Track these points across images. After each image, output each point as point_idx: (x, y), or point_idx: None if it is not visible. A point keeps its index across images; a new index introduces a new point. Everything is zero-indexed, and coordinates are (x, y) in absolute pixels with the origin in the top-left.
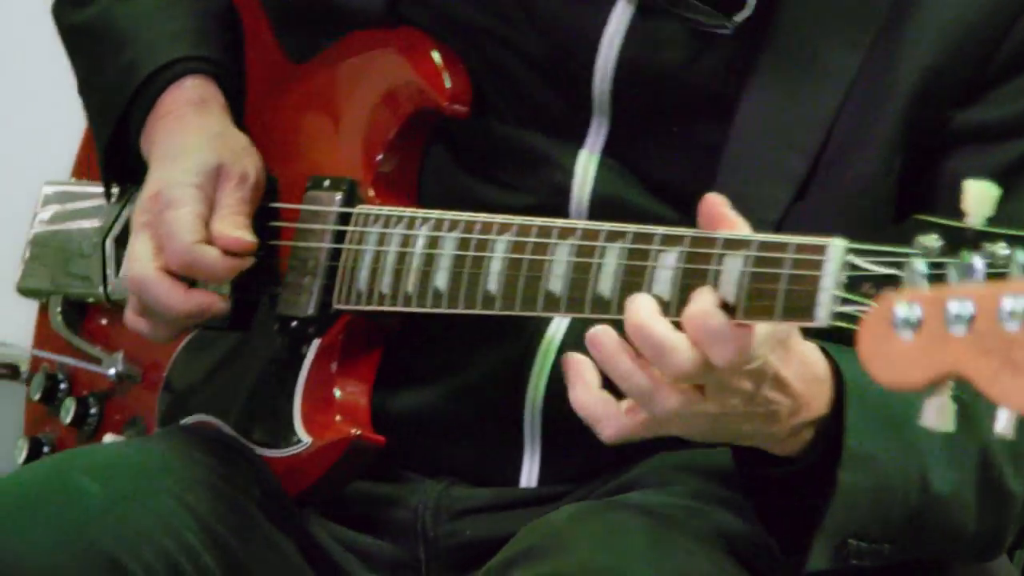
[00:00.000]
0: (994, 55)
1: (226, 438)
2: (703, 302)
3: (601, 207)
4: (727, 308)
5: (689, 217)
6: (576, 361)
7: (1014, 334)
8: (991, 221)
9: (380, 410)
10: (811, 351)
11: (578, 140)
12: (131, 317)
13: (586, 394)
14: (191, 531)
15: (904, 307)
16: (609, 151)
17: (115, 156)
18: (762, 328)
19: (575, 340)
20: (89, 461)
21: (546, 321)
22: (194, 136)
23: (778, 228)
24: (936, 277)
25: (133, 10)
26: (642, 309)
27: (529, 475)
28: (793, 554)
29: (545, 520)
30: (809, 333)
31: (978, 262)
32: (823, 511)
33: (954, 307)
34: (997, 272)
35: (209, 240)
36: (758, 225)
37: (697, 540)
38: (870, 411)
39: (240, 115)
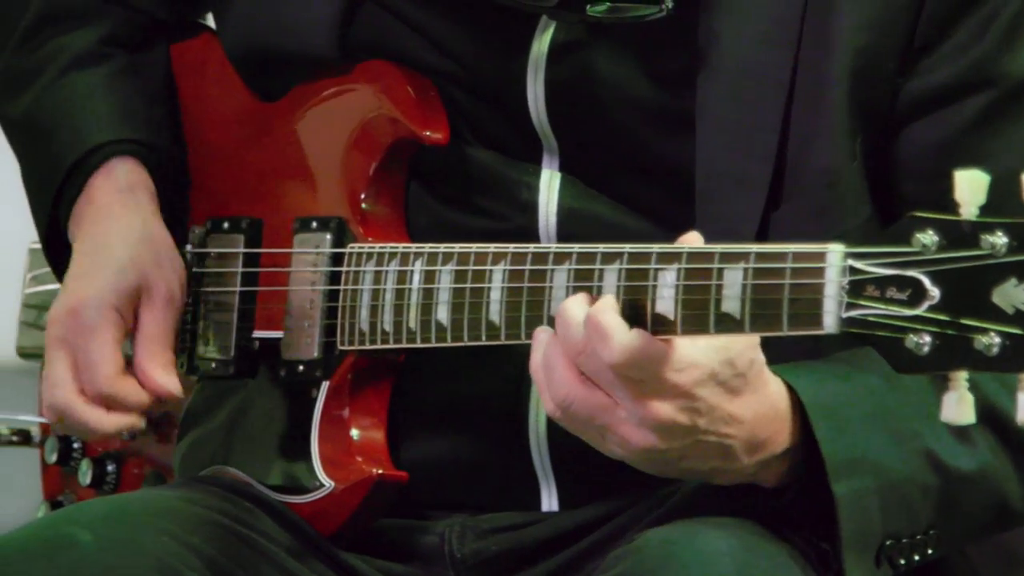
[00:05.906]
0: (918, 22)
1: (242, 486)
2: (606, 301)
3: (568, 222)
4: (660, 322)
5: (662, 229)
6: (539, 330)
7: None
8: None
9: (394, 455)
10: (773, 389)
11: (536, 161)
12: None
13: (535, 360)
14: (194, 570)
15: None
16: (567, 170)
17: (55, 244)
18: (696, 363)
19: None
20: (84, 513)
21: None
22: (117, 240)
23: (759, 240)
24: None
25: (60, 98)
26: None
27: (549, 501)
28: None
29: (634, 547)
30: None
31: None
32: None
33: None
34: (999, 262)
35: (128, 367)
36: (740, 240)
37: (778, 564)
38: (841, 415)
39: (179, 192)
